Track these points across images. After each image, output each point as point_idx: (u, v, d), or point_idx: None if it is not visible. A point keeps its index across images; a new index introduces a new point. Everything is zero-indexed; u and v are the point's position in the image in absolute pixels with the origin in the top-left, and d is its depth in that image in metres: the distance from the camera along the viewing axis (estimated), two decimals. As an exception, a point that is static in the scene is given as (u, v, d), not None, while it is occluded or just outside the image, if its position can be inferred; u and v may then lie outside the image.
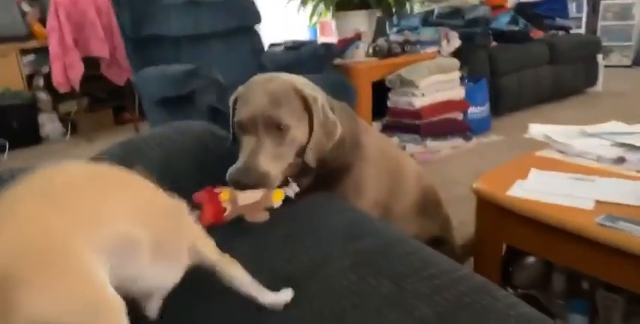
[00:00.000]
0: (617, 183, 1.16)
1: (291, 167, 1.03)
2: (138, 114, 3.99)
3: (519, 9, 4.29)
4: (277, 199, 0.97)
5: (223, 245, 0.72)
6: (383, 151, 1.30)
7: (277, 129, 0.97)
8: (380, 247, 0.85)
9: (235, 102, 1.06)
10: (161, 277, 0.64)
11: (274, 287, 0.73)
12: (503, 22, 3.91)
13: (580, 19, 5.89)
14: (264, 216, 0.95)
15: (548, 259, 1.27)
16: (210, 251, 0.69)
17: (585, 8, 5.91)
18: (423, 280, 0.74)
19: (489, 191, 1.22)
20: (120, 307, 0.50)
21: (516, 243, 1.26)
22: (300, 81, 1.07)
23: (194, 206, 0.85)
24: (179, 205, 0.69)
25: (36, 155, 3.52)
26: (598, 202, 1.08)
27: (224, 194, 0.90)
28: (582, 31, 5.82)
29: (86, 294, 0.47)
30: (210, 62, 2.45)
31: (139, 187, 0.64)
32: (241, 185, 0.92)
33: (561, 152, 1.41)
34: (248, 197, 0.93)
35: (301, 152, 1.03)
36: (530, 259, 1.33)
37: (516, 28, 3.87)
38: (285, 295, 0.73)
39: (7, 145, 3.48)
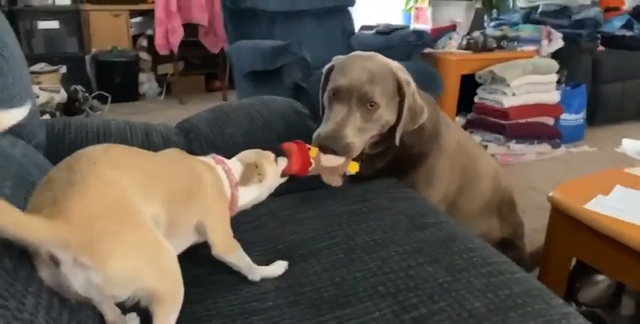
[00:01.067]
0: None
1: (370, 143, 1.07)
2: (228, 83, 4.16)
3: (637, 13, 3.94)
4: (353, 169, 1.02)
5: (292, 210, 0.77)
6: (461, 146, 1.28)
7: (368, 105, 1.02)
8: (441, 239, 0.86)
9: (330, 71, 1.11)
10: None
11: (334, 257, 0.77)
12: (615, 25, 3.62)
13: None
14: (339, 181, 1.01)
15: (619, 280, 1.21)
16: (215, 234, 0.75)
17: None
18: (479, 276, 0.75)
19: (566, 201, 1.18)
20: (172, 249, 0.61)
21: (587, 259, 1.21)
22: (395, 64, 1.10)
23: (281, 154, 0.91)
24: (200, 184, 0.75)
25: (132, 111, 3.79)
26: (685, 228, 1.01)
27: (312, 151, 0.95)
28: None
29: (153, 241, 0.59)
30: (301, 40, 2.50)
31: (171, 170, 0.72)
32: (326, 150, 0.97)
33: (654, 171, 1.32)
34: (330, 160, 0.98)
35: (382, 131, 1.07)
36: (600, 277, 1.27)
37: (630, 34, 3.57)
38: (278, 268, 0.81)
39: (110, 99, 3.78)
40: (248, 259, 0.79)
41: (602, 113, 3.42)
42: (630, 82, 3.49)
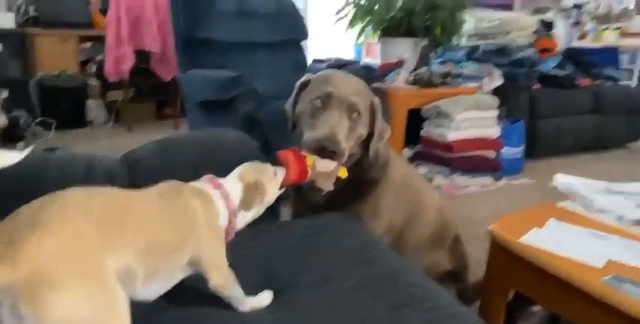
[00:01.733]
0: (633, 245, 1.16)
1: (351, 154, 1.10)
2: (179, 111, 4.12)
3: (568, 54, 4.25)
4: (343, 173, 1.06)
5: (236, 246, 0.76)
6: (407, 180, 1.33)
7: (354, 114, 1.07)
8: (384, 275, 0.88)
9: (304, 85, 1.16)
10: (148, 293, 0.70)
11: (277, 294, 0.77)
12: (549, 65, 3.89)
13: (631, 71, 5.78)
14: (331, 185, 1.03)
15: (553, 311, 1.27)
16: (211, 270, 0.74)
17: (639, 60, 5.79)
18: (420, 311, 0.76)
19: (503, 235, 1.23)
20: (125, 305, 0.59)
21: (524, 290, 1.26)
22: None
23: (278, 163, 0.91)
24: (194, 226, 0.73)
25: (79, 138, 3.67)
26: (610, 261, 1.08)
27: (309, 159, 0.95)
28: (633, 83, 5.70)
29: (104, 297, 0.56)
30: (254, 71, 2.54)
31: (152, 214, 0.69)
32: (324, 152, 0.99)
33: (584, 206, 1.40)
34: (324, 166, 0.99)
35: (355, 146, 1.12)
36: (537, 308, 1.32)
37: (562, 74, 3.84)
38: (264, 298, 0.79)
39: (54, 125, 3.65)
40: (241, 290, 0.77)
41: (539, 147, 3.62)
42: (565, 118, 3.73)
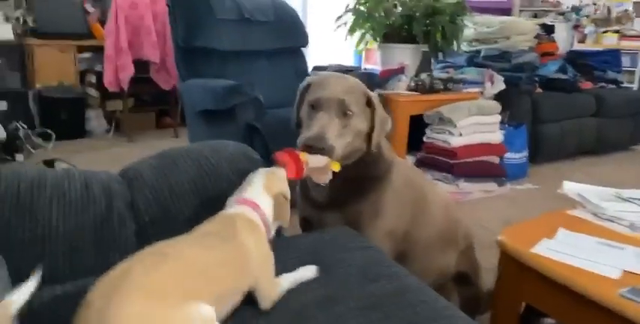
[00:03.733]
0: (648, 254, 1.12)
1: (348, 150, 1.18)
2: (179, 120, 4.10)
3: (570, 58, 4.23)
4: (336, 167, 1.13)
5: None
6: (410, 179, 1.33)
7: (345, 114, 1.15)
8: (393, 292, 0.85)
9: (306, 88, 1.24)
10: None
11: (285, 319, 0.75)
12: (551, 69, 3.87)
13: (633, 73, 5.77)
14: (326, 178, 1.11)
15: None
16: (265, 293, 0.78)
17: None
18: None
19: (513, 246, 1.20)
20: None
21: (535, 303, 1.22)
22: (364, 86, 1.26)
23: (277, 164, 1.00)
24: (247, 258, 0.77)
25: (78, 148, 3.65)
26: (625, 271, 1.05)
27: (302, 155, 1.03)
28: (635, 86, 5.68)
29: None
30: (253, 79, 2.51)
31: (215, 263, 0.73)
32: (312, 150, 1.07)
33: (594, 214, 1.37)
34: (317, 161, 1.07)
35: (357, 141, 1.19)
36: (549, 321, 1.29)
37: (564, 77, 3.82)
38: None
39: (54, 137, 3.63)
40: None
41: (542, 152, 3.60)
42: (567, 122, 3.70)
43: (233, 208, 0.85)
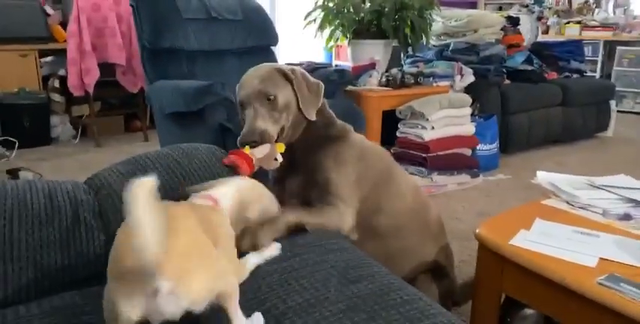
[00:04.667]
0: (622, 241, 1.14)
1: (288, 127, 1.24)
2: (148, 122, 4.01)
3: (535, 49, 4.31)
4: (280, 149, 1.20)
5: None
6: (370, 148, 1.35)
7: (268, 100, 1.21)
8: (376, 292, 0.83)
9: (238, 92, 1.28)
10: None
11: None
12: (517, 61, 3.93)
13: (595, 62, 5.92)
14: (275, 164, 1.18)
15: (546, 314, 1.24)
16: (232, 304, 0.74)
17: (601, 52, 5.94)
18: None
19: (492, 239, 1.20)
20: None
21: (515, 294, 1.23)
22: (282, 64, 1.33)
23: (229, 166, 1.09)
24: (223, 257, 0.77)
25: (43, 156, 3.52)
26: (602, 259, 1.06)
27: (246, 150, 1.12)
28: (597, 75, 5.84)
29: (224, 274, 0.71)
30: (223, 79, 2.46)
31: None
32: (250, 143, 1.14)
33: (568, 203, 1.39)
34: (261, 152, 1.14)
35: (292, 115, 1.25)
36: (529, 311, 1.30)
37: (531, 68, 3.89)
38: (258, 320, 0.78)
39: (17, 144, 3.50)
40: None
41: (513, 142, 3.66)
42: (535, 112, 3.78)
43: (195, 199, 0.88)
